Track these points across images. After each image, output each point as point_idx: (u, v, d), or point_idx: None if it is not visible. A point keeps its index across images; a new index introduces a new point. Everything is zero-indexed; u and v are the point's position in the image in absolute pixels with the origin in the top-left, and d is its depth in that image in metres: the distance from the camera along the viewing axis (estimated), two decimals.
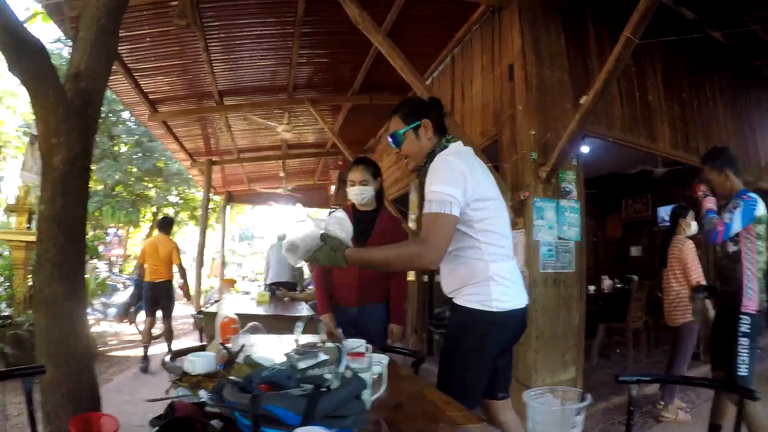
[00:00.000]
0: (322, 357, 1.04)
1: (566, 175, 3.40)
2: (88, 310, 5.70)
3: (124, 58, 4.48)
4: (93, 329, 6.45)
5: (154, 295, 5.38)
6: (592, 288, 6.10)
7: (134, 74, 4.87)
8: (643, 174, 6.55)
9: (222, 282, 6.57)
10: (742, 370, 2.27)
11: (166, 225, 5.78)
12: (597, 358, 5.01)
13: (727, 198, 2.41)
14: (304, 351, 1.12)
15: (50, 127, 1.80)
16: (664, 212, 6.02)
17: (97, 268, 9.93)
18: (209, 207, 12.27)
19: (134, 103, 5.67)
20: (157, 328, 5.67)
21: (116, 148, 12.78)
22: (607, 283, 6.18)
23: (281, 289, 5.18)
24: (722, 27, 4.27)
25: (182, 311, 8.36)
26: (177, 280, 5.71)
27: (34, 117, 2.05)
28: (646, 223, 7.34)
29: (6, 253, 5.73)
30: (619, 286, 6.30)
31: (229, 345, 1.51)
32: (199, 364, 1.31)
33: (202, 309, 5.91)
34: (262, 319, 2.16)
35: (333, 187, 9.82)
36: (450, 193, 1.45)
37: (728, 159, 2.49)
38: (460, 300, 1.59)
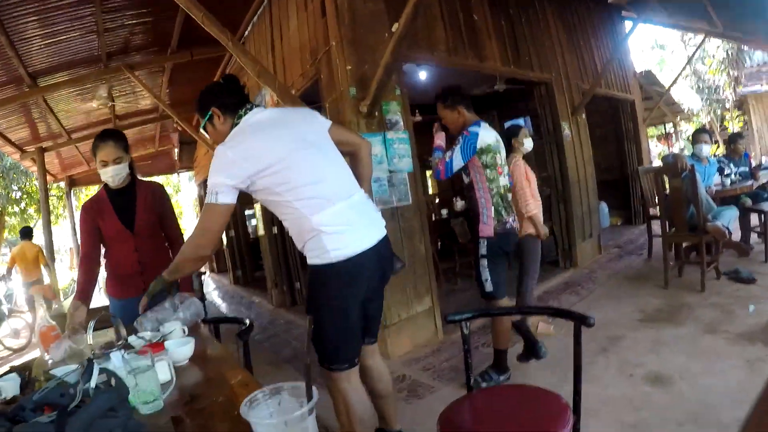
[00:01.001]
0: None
1: (390, 107, 3.32)
2: None
3: None
4: None
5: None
6: (445, 212, 6.27)
7: None
8: (488, 93, 6.57)
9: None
10: (488, 287, 2.49)
11: (26, 233, 6.97)
12: (458, 280, 5.22)
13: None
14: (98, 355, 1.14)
15: None
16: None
17: None
18: (55, 195, 11.64)
19: None
20: (23, 338, 6.21)
21: None
22: (459, 204, 6.17)
23: None
24: None
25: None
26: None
27: None
28: None
29: None
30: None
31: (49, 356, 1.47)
32: (8, 388, 1.18)
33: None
34: None
35: (176, 150, 9.45)
36: (217, 183, 1.49)
37: (459, 96, 2.55)
38: (308, 259, 1.59)
